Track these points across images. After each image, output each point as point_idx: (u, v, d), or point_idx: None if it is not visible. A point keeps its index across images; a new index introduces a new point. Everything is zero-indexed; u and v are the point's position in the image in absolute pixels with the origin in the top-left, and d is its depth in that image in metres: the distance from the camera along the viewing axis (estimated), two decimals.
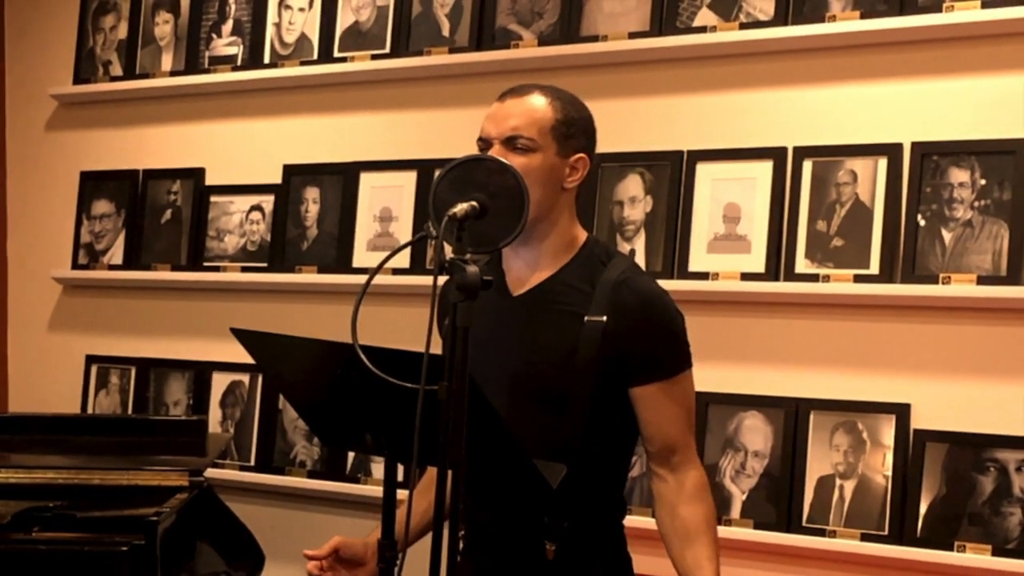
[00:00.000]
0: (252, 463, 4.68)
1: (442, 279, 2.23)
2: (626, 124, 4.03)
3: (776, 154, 3.80)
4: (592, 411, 2.59)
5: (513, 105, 2.65)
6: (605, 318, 2.58)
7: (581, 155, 2.67)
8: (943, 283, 3.51)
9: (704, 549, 2.60)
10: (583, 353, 2.57)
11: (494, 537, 2.67)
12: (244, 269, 4.76)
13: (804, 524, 3.66)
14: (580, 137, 2.66)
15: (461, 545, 2.67)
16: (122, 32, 5.16)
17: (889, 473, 3.58)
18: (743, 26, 3.85)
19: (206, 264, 4.87)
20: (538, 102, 2.64)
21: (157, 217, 5.01)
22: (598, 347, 2.57)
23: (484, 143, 2.64)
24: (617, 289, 2.60)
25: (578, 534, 2.59)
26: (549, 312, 2.63)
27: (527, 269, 2.68)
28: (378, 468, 4.36)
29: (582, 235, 2.71)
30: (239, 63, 4.85)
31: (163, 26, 5.06)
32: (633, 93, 4.07)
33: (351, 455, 4.48)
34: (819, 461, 3.68)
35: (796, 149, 3.79)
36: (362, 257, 4.52)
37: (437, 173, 2.47)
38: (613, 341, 2.57)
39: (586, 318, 2.58)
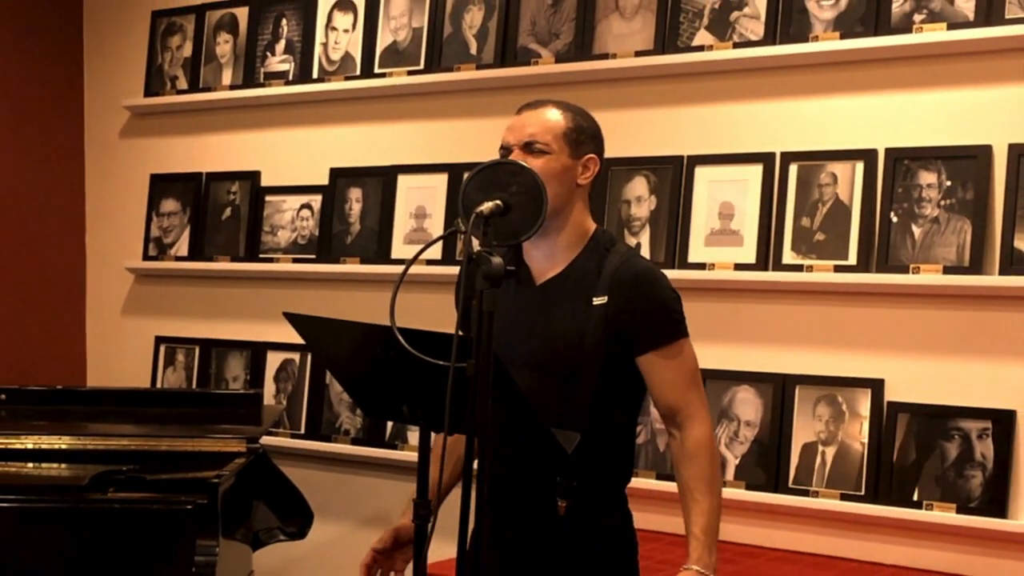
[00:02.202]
0: (302, 431, 4.71)
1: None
2: (633, 132, 4.04)
3: (765, 159, 3.80)
4: (600, 386, 2.59)
5: (529, 116, 2.66)
6: (607, 299, 2.58)
7: (591, 155, 2.67)
8: (913, 273, 3.51)
9: (694, 505, 2.55)
10: (591, 334, 2.57)
11: (512, 495, 2.67)
12: (295, 260, 4.77)
13: (790, 485, 3.67)
14: (589, 142, 2.67)
15: None
16: (187, 51, 5.18)
17: (865, 440, 3.58)
18: (736, 45, 3.85)
19: (261, 256, 4.89)
20: (551, 113, 2.65)
21: (218, 214, 5.03)
22: (603, 327, 2.57)
23: (505, 150, 2.64)
24: (616, 273, 2.60)
25: (587, 492, 2.59)
26: (564, 299, 2.62)
27: (545, 261, 2.68)
28: (413, 436, 4.38)
29: (592, 226, 2.71)
30: (291, 78, 4.86)
31: (223, 45, 5.08)
32: (639, 104, 4.07)
33: (390, 424, 4.50)
34: (803, 430, 3.68)
35: (783, 154, 3.78)
36: (399, 250, 4.53)
37: (466, 175, 2.47)
38: (614, 319, 2.57)
39: (594, 301, 2.59)
